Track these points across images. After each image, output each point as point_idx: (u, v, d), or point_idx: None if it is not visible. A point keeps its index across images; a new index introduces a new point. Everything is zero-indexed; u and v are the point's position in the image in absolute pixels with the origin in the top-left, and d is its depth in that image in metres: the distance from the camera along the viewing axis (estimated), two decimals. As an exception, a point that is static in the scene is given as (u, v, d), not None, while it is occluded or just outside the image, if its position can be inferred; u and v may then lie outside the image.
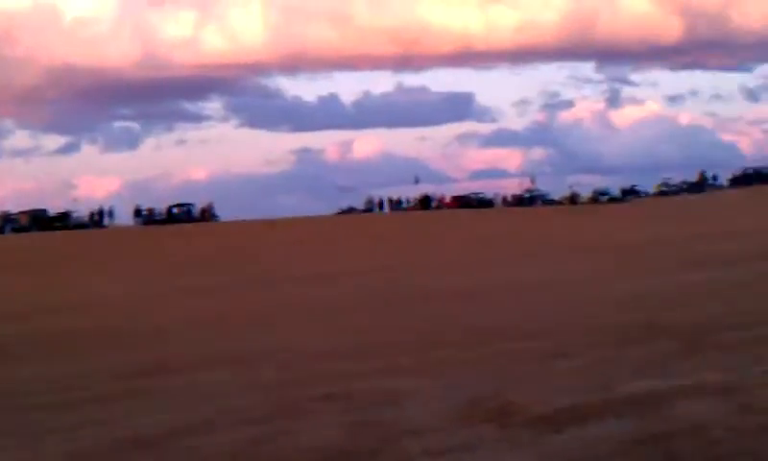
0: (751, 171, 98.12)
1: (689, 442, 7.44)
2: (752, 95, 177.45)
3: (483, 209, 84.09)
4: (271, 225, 66.74)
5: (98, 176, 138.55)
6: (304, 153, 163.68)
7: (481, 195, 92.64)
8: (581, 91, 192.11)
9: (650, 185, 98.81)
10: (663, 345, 12.48)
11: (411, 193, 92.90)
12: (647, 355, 11.75)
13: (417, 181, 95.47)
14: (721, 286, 20.43)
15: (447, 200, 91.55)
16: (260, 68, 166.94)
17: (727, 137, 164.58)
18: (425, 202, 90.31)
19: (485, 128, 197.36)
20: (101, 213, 78.31)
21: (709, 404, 8.55)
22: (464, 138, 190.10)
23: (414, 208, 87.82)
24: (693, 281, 22.00)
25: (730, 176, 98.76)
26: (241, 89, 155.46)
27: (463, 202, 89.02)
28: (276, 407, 10.30)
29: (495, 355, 13.04)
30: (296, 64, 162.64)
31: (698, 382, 9.54)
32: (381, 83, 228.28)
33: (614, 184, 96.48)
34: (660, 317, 15.64)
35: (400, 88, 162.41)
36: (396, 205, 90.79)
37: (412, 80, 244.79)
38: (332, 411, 9.72)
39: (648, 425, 7.97)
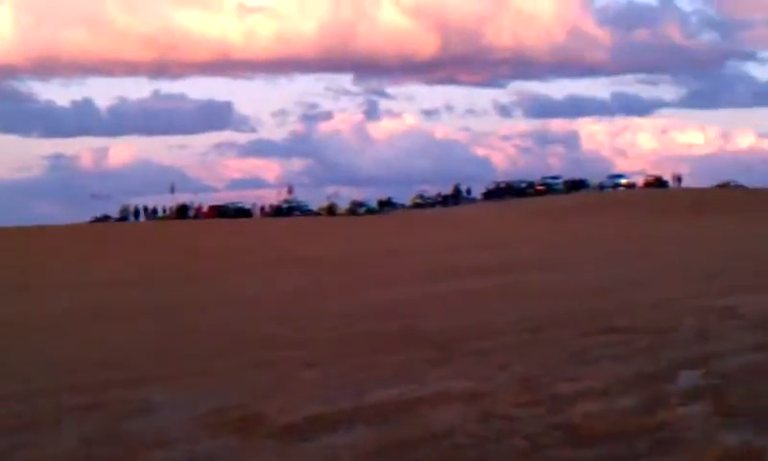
0: (503, 185, 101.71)
1: (433, 448, 7.51)
2: (504, 111, 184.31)
3: (241, 219, 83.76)
4: (23, 233, 64.32)
5: None
6: (57, 159, 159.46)
7: (239, 205, 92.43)
8: (339, 103, 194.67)
9: (407, 197, 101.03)
10: (414, 353, 12.61)
11: (168, 202, 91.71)
12: (398, 364, 11.84)
13: (172, 189, 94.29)
14: (471, 296, 20.93)
15: (205, 209, 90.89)
16: (10, 71, 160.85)
17: (480, 152, 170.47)
18: (182, 211, 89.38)
19: (244, 137, 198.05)
20: None
21: (455, 411, 8.67)
22: (222, 147, 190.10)
23: (170, 217, 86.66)
24: (445, 291, 22.43)
25: (483, 189, 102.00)
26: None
27: (220, 211, 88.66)
28: (21, 419, 9.81)
29: (246, 366, 12.87)
30: (48, 68, 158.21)
31: (446, 390, 9.67)
32: (137, 89, 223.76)
33: (372, 196, 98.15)
34: (412, 326, 15.84)
35: (157, 95, 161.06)
36: (151, 213, 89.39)
37: (169, 87, 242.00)
38: (79, 422, 9.41)
39: (394, 433, 8.02)
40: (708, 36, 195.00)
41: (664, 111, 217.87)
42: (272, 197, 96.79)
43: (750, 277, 20.99)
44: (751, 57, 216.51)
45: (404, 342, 13.89)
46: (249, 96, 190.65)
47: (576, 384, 9.32)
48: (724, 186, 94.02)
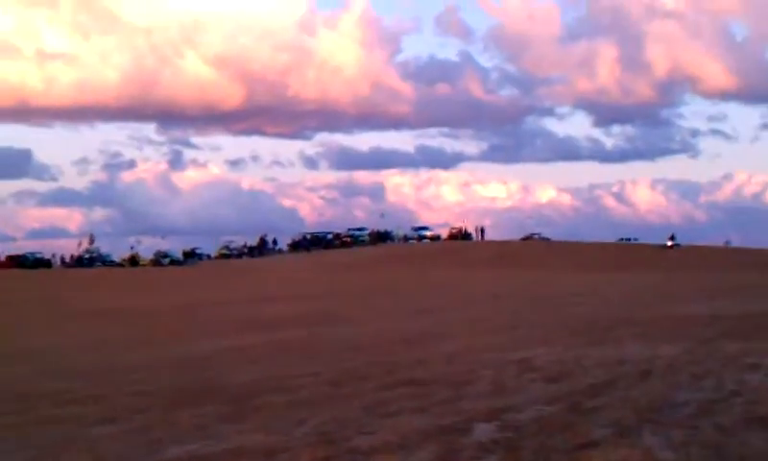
0: (309, 236, 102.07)
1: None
2: (310, 162, 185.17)
3: (40, 270, 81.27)
4: None
5: None
6: None
7: (38, 255, 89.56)
8: (143, 152, 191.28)
9: (212, 248, 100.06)
10: (211, 408, 12.42)
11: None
12: (195, 419, 11.63)
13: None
14: (272, 349, 20.79)
15: (2, 259, 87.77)
16: None
17: (287, 203, 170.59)
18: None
19: (44, 186, 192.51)
20: None
21: (250, 468, 8.51)
22: (21, 196, 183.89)
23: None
24: (246, 344, 22.23)
25: (289, 240, 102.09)
26: None
27: (19, 262, 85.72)
28: None
29: (32, 423, 12.36)
30: None
31: (241, 446, 9.49)
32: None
33: (177, 246, 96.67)
34: (211, 380, 15.64)
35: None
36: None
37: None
38: None
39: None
40: (508, 92, 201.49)
41: (467, 165, 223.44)
42: (73, 247, 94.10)
43: (546, 328, 21.53)
44: (549, 112, 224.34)
45: (202, 397, 13.67)
46: (49, 144, 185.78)
47: (373, 438, 9.26)
48: (528, 239, 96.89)
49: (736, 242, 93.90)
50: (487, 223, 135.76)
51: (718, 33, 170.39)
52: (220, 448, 9.50)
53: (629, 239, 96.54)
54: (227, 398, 13.28)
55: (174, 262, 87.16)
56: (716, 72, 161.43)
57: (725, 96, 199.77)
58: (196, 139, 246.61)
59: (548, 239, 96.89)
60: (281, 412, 11.57)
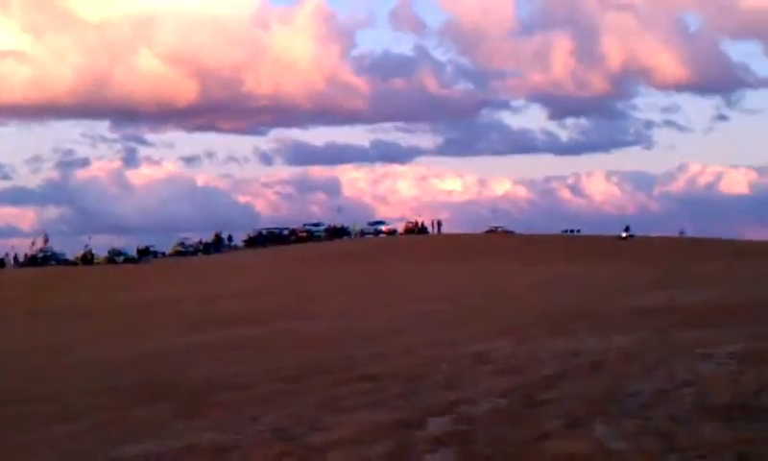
0: (265, 232, 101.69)
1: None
2: (266, 158, 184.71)
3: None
4: None
5: None
6: None
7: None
8: (96, 150, 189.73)
9: (167, 245, 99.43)
10: (165, 406, 12.40)
11: None
12: (150, 417, 11.63)
13: None
14: (227, 346, 20.72)
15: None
16: None
17: (242, 199, 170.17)
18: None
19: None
20: None
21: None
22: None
23: None
24: (200, 341, 22.15)
25: (245, 236, 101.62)
26: None
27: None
28: None
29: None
30: None
31: (195, 443, 9.46)
32: None
33: (132, 244, 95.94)
34: (166, 378, 15.58)
35: None
36: None
37: None
38: None
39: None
40: (463, 86, 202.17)
41: (423, 159, 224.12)
42: (26, 246, 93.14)
43: (502, 321, 21.62)
44: (504, 106, 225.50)
45: (157, 394, 13.64)
46: (2, 142, 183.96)
47: (328, 434, 9.26)
48: (492, 232, 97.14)
49: (690, 232, 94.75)
50: (443, 216, 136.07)
51: (672, 25, 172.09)
52: (174, 445, 9.48)
53: (572, 230, 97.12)
54: (181, 395, 13.26)
55: (128, 260, 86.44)
56: (670, 64, 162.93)
57: (679, 87, 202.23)
58: (150, 136, 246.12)
59: (512, 232, 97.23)
60: (236, 409, 11.54)
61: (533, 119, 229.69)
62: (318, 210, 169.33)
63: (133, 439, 10.06)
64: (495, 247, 76.35)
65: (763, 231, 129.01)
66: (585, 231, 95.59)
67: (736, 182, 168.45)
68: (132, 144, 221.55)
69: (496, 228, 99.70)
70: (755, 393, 9.47)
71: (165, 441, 9.72)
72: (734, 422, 8.28)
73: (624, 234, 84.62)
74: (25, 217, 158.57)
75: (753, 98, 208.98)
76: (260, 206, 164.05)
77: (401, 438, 8.70)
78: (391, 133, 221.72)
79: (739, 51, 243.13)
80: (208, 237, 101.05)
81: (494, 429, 8.67)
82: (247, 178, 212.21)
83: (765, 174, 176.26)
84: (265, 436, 9.48)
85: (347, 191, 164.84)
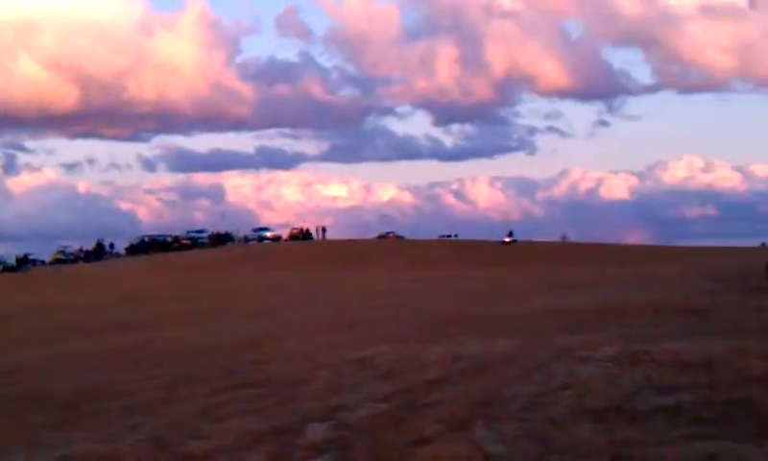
0: (147, 239, 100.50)
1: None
2: (149, 165, 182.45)
3: None
4: None
5: None
6: None
7: None
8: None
9: (47, 253, 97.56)
10: (39, 417, 12.08)
11: None
12: (22, 429, 11.33)
13: None
14: (103, 355, 20.30)
15: None
16: None
17: (124, 206, 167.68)
18: None
19: None
20: None
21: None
22: None
23: None
24: (76, 350, 21.70)
25: (127, 244, 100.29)
26: None
27: None
28: None
29: None
30: None
31: (71, 453, 9.21)
32: None
33: (11, 253, 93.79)
34: (37, 388, 15.20)
35: None
36: None
37: None
38: None
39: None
40: (348, 92, 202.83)
41: (308, 165, 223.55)
42: None
43: (386, 326, 21.60)
44: (389, 112, 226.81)
45: (30, 406, 13.27)
46: None
47: (206, 442, 9.10)
48: (384, 237, 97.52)
49: (573, 237, 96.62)
50: (328, 222, 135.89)
51: (554, 32, 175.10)
52: (47, 457, 9.21)
53: (449, 236, 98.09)
54: (56, 405, 12.92)
55: (7, 269, 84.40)
56: (552, 71, 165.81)
57: (561, 94, 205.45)
58: (30, 143, 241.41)
59: (402, 237, 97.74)
60: (114, 418, 11.29)
61: (418, 125, 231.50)
62: (202, 217, 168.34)
63: (5, 452, 9.80)
64: (380, 252, 76.62)
65: (643, 235, 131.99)
66: (467, 236, 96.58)
67: (617, 188, 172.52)
68: (12, 151, 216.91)
69: (388, 233, 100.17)
70: (631, 395, 9.58)
71: (38, 453, 9.45)
72: (611, 423, 8.35)
73: (507, 239, 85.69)
74: None
75: (633, 105, 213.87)
76: (143, 213, 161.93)
77: (280, 445, 8.59)
78: (276, 140, 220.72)
79: (620, 58, 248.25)
80: (90, 245, 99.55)
81: (374, 435, 8.61)
82: (129, 185, 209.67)
83: (645, 179, 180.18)
84: (143, 445, 9.28)
85: (231, 198, 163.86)
